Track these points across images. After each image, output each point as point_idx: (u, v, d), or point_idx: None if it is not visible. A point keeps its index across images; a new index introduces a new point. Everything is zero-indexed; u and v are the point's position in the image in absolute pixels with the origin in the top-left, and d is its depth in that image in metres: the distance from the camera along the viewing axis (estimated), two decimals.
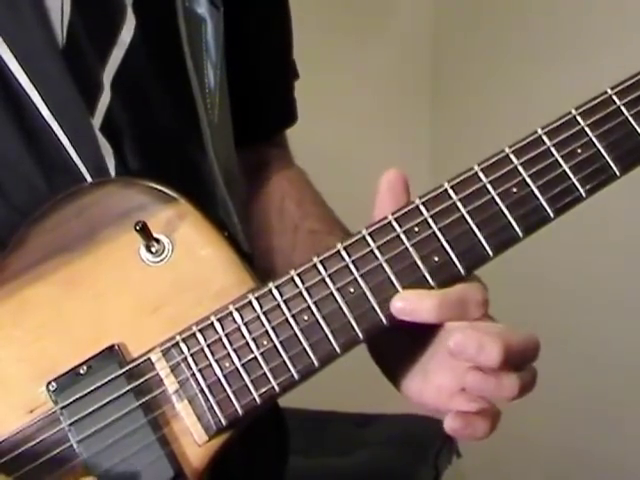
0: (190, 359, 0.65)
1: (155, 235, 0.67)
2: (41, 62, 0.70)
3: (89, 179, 0.70)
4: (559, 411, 2.22)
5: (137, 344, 0.66)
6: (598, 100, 0.68)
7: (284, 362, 0.65)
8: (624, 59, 0.69)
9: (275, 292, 0.66)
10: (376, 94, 2.52)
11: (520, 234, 0.66)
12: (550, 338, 2.26)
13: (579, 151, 0.67)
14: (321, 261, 0.66)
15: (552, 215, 0.66)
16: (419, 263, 0.66)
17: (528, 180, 0.66)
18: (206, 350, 0.65)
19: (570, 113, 0.67)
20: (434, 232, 0.66)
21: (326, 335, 0.65)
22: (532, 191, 0.66)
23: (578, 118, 0.67)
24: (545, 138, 0.67)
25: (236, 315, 0.65)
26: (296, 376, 0.65)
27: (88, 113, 0.71)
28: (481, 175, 0.66)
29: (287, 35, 0.93)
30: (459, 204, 0.66)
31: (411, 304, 0.64)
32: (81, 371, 0.65)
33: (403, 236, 0.66)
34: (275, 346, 0.65)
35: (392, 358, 0.70)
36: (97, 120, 0.72)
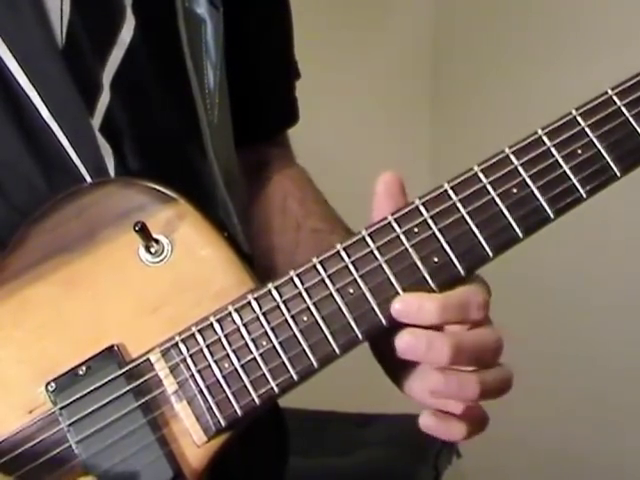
0: (189, 360, 0.65)
1: (154, 235, 0.67)
2: (40, 62, 0.70)
3: (88, 179, 0.70)
4: (559, 412, 2.22)
5: (136, 344, 0.66)
6: (599, 100, 0.67)
7: (283, 363, 0.65)
8: (625, 59, 0.69)
9: (274, 293, 0.65)
10: (376, 94, 2.52)
11: (520, 235, 0.66)
12: (550, 340, 2.26)
13: (579, 152, 0.67)
14: (320, 262, 0.66)
15: (552, 216, 0.66)
16: (419, 264, 0.65)
17: (528, 181, 0.66)
18: (205, 351, 0.65)
19: (570, 113, 0.67)
20: (434, 233, 0.66)
21: (325, 336, 0.65)
22: (532, 192, 0.66)
23: (578, 119, 0.67)
24: (545, 138, 0.67)
25: (235, 316, 0.65)
26: (295, 377, 0.65)
27: (87, 113, 0.71)
28: (481, 176, 0.66)
29: (288, 35, 0.93)
30: (459, 205, 0.66)
31: (411, 307, 0.64)
32: (80, 371, 0.65)
33: (403, 237, 0.66)
34: (274, 347, 0.65)
35: (394, 358, 0.70)
36: (96, 120, 0.72)
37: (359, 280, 0.65)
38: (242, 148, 0.88)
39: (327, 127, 2.17)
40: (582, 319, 2.18)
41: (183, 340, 0.65)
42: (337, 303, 0.65)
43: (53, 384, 0.64)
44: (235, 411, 0.64)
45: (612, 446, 2.16)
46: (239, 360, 0.65)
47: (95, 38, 0.73)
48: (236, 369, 0.65)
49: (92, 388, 0.64)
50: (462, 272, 0.66)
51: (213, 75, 0.78)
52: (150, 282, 0.67)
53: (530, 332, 2.14)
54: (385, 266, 0.65)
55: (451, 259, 0.66)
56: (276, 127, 0.95)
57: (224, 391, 0.64)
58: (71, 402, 0.64)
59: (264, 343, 0.65)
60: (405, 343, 0.64)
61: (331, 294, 0.65)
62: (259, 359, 0.65)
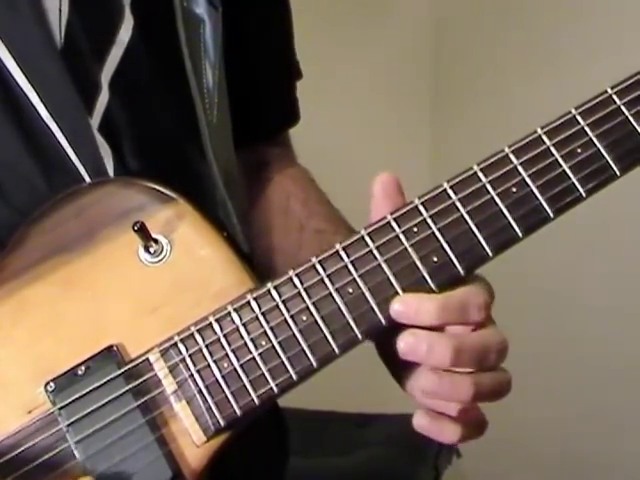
0: (188, 360, 0.65)
1: (154, 235, 0.67)
2: (39, 62, 0.70)
3: (88, 179, 0.70)
4: (559, 413, 2.22)
5: (136, 344, 0.65)
6: (598, 99, 0.67)
7: (283, 363, 0.65)
8: (625, 59, 0.69)
9: (274, 292, 0.65)
10: (376, 94, 2.52)
11: (520, 234, 0.66)
12: (551, 340, 2.26)
13: (579, 151, 0.66)
14: (320, 261, 0.65)
15: (552, 215, 0.66)
16: (418, 263, 0.65)
17: (528, 180, 0.66)
18: (204, 351, 0.65)
19: (570, 112, 0.67)
20: (433, 232, 0.66)
21: (325, 336, 0.65)
22: (532, 191, 0.66)
23: (578, 117, 0.67)
24: (545, 138, 0.67)
25: (234, 315, 0.65)
26: (295, 377, 0.65)
27: (86, 113, 0.71)
28: (480, 175, 0.66)
29: (288, 35, 0.93)
30: (458, 204, 0.66)
31: (410, 308, 0.64)
32: (79, 371, 0.65)
33: (402, 236, 0.66)
34: (274, 347, 0.65)
35: (397, 358, 0.70)
36: (95, 120, 0.72)
37: (358, 280, 0.65)
38: (243, 148, 0.87)
39: (327, 127, 2.17)
40: (583, 320, 2.18)
41: (182, 340, 0.65)
42: (336, 303, 0.65)
43: (52, 384, 0.64)
44: (234, 411, 0.64)
45: (612, 446, 2.16)
46: (238, 360, 0.65)
47: (94, 38, 0.73)
48: (235, 369, 0.65)
49: (91, 388, 0.64)
50: (462, 272, 0.65)
51: (212, 75, 0.78)
52: (149, 282, 0.67)
53: (531, 333, 2.14)
54: (384, 266, 0.65)
55: (450, 259, 0.65)
56: (277, 127, 0.95)
57: (223, 391, 0.64)
58: (70, 402, 0.64)
59: (263, 343, 0.65)
60: (406, 344, 0.63)
61: (330, 294, 0.65)
62: (258, 359, 0.65)
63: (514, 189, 0.66)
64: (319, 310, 0.65)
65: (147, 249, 0.67)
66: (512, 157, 0.66)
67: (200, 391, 0.65)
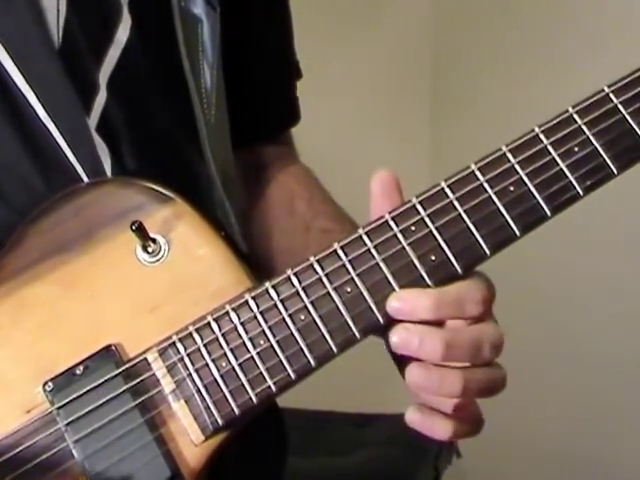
0: (187, 359, 0.65)
1: (152, 235, 0.67)
2: (37, 62, 0.70)
3: (86, 179, 0.70)
4: (559, 412, 2.22)
5: (134, 344, 0.66)
6: (595, 98, 0.67)
7: (281, 362, 0.65)
8: (625, 58, 0.68)
9: (272, 292, 0.65)
10: (376, 94, 2.52)
11: (517, 233, 0.66)
12: (551, 340, 2.25)
13: (576, 149, 0.66)
14: (317, 260, 0.66)
15: (549, 214, 0.66)
16: (416, 262, 0.65)
17: (525, 179, 0.66)
18: (202, 350, 0.65)
19: (567, 111, 0.67)
20: (431, 231, 0.66)
21: (323, 335, 0.65)
22: (529, 189, 0.66)
23: (575, 116, 0.67)
24: (542, 136, 0.67)
25: (232, 315, 0.65)
26: (293, 376, 0.65)
27: (84, 113, 0.71)
28: (478, 174, 0.66)
29: (287, 34, 0.93)
30: (456, 203, 0.66)
31: (407, 303, 0.64)
32: (77, 371, 0.65)
33: (400, 235, 0.66)
34: (272, 346, 0.65)
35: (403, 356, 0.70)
36: (93, 120, 0.72)
37: (356, 279, 0.65)
38: (245, 149, 0.88)
39: (327, 127, 2.17)
40: (583, 319, 2.18)
41: (180, 339, 0.65)
42: (334, 302, 0.65)
43: (50, 384, 0.64)
44: (232, 410, 0.64)
45: (612, 446, 2.16)
46: (236, 359, 0.65)
47: (91, 37, 0.73)
48: (233, 368, 0.65)
49: (89, 388, 0.64)
50: (459, 270, 0.66)
51: (210, 75, 0.78)
52: (148, 282, 0.67)
53: (531, 332, 2.14)
54: (382, 265, 0.65)
55: (448, 257, 0.65)
56: (278, 127, 0.95)
57: (221, 390, 0.64)
58: (68, 402, 0.64)
59: (261, 342, 0.65)
60: (398, 338, 0.64)
61: (328, 293, 0.65)
62: (256, 358, 0.65)
63: (511, 188, 0.66)
64: (317, 309, 0.65)
65: (145, 249, 0.67)
66: (509, 156, 0.66)
67: (198, 390, 0.65)
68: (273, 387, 0.65)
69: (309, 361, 0.65)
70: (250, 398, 0.64)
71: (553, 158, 0.66)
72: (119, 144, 0.73)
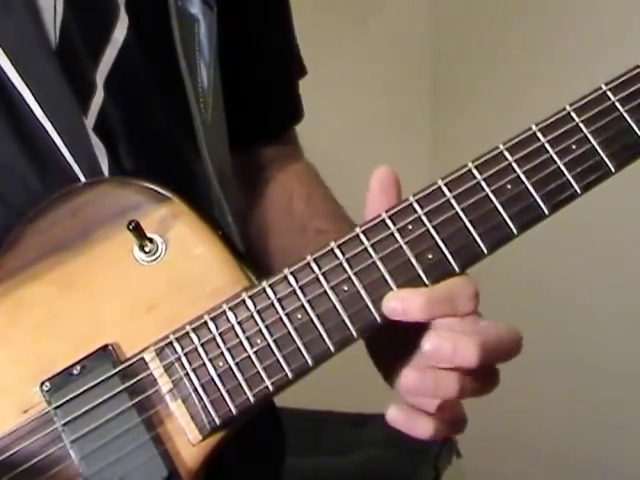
0: (184, 358, 0.65)
1: (149, 234, 0.67)
2: (34, 62, 0.70)
3: (83, 179, 0.70)
4: (559, 413, 2.22)
5: (131, 344, 0.65)
6: (593, 96, 0.67)
7: (278, 361, 0.64)
8: (626, 59, 0.68)
9: (269, 291, 0.65)
10: (376, 93, 2.52)
11: (515, 231, 0.66)
12: (551, 341, 2.25)
13: (574, 147, 0.66)
14: (315, 259, 0.65)
15: (547, 212, 0.66)
16: (413, 261, 0.65)
17: (522, 177, 0.66)
18: (200, 349, 0.65)
19: (564, 109, 0.67)
20: (428, 230, 0.66)
21: (320, 334, 0.65)
22: (527, 188, 0.66)
23: (572, 114, 0.67)
24: (539, 134, 0.67)
25: (230, 314, 0.65)
26: (290, 375, 0.65)
27: (81, 113, 0.71)
28: (475, 172, 0.66)
29: (288, 33, 0.93)
30: (453, 201, 0.66)
31: (402, 304, 0.64)
32: (75, 371, 0.65)
33: (397, 234, 0.66)
34: (269, 345, 0.65)
35: (388, 357, 0.70)
36: (90, 120, 0.72)
37: (353, 278, 0.65)
38: (246, 149, 0.88)
39: (327, 126, 2.16)
40: (583, 320, 2.18)
41: (177, 339, 0.65)
42: (331, 301, 0.65)
43: (48, 384, 0.64)
44: (230, 410, 0.64)
45: (612, 446, 2.16)
46: (234, 358, 0.65)
47: (88, 37, 0.72)
48: (231, 367, 0.64)
49: (86, 387, 0.64)
50: (457, 269, 0.65)
51: (207, 74, 0.78)
52: (145, 281, 0.67)
53: (530, 332, 2.13)
54: (379, 263, 0.65)
55: (446, 256, 0.65)
56: (279, 126, 0.95)
57: (219, 389, 0.64)
58: (65, 402, 0.64)
59: (259, 341, 0.65)
60: (432, 345, 0.63)
61: (325, 292, 0.65)
62: (254, 357, 0.65)
63: (509, 186, 0.66)
64: (314, 308, 0.65)
65: (142, 248, 0.67)
66: (507, 154, 0.66)
67: (195, 390, 0.64)
68: (270, 387, 0.64)
69: (306, 360, 0.65)
70: (247, 398, 0.64)
71: (550, 156, 0.66)
72: (116, 144, 0.73)
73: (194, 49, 0.78)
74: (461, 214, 0.66)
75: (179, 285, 0.67)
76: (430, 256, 0.65)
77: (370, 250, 0.65)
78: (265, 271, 0.72)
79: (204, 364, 0.65)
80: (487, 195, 0.66)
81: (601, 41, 2.07)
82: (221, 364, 0.65)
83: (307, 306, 0.65)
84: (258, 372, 0.64)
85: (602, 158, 0.66)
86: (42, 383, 0.64)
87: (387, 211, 0.66)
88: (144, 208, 0.68)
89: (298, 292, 0.65)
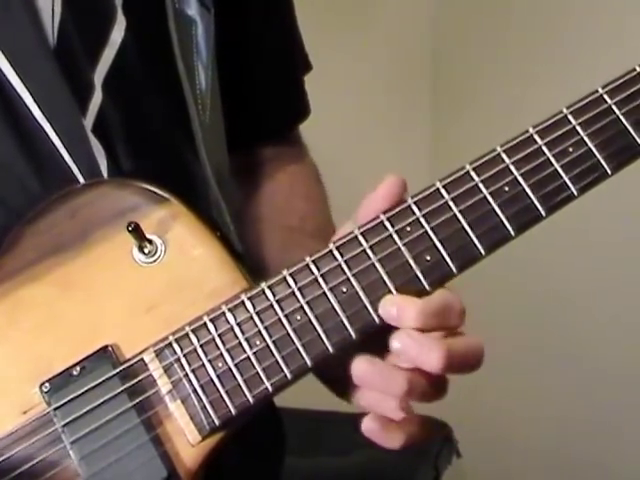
0: (183, 359, 0.65)
1: (148, 236, 0.67)
2: (33, 63, 0.70)
3: (82, 180, 0.70)
4: (558, 413, 2.22)
5: (131, 345, 0.66)
6: (589, 99, 0.67)
7: (277, 362, 0.65)
8: (623, 58, 0.68)
9: (268, 292, 0.66)
10: (376, 93, 2.52)
11: (512, 233, 0.66)
12: (551, 341, 2.25)
13: (570, 150, 0.67)
14: (313, 261, 0.66)
15: (544, 214, 0.66)
16: (411, 262, 0.66)
17: (520, 179, 0.66)
18: (199, 350, 0.65)
19: (561, 112, 0.67)
20: (426, 231, 0.66)
21: (319, 335, 0.65)
22: (524, 190, 0.66)
23: (569, 117, 0.67)
24: (536, 137, 0.67)
25: (229, 315, 0.65)
26: (289, 376, 0.65)
27: (80, 114, 0.71)
28: (473, 174, 0.66)
29: (289, 32, 0.93)
30: (451, 203, 0.66)
31: (396, 311, 0.64)
32: (74, 372, 0.65)
33: (395, 236, 0.66)
34: (268, 346, 0.65)
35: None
36: (89, 121, 0.72)
37: (352, 279, 0.65)
38: (246, 150, 0.88)
39: (327, 126, 2.16)
40: (582, 320, 2.18)
41: (177, 340, 0.65)
42: (330, 302, 0.65)
43: (47, 384, 0.64)
44: (229, 410, 0.65)
45: (611, 447, 2.16)
46: (233, 359, 0.65)
47: (86, 38, 0.73)
48: (230, 368, 0.65)
49: (86, 388, 0.64)
50: (455, 270, 0.66)
51: (205, 76, 0.78)
52: (144, 282, 0.67)
53: (529, 333, 2.14)
54: (378, 265, 0.65)
55: (443, 257, 0.66)
56: (281, 126, 0.95)
57: (218, 390, 0.65)
58: (65, 403, 0.64)
59: (258, 342, 0.65)
60: (401, 344, 0.63)
61: (324, 293, 0.65)
62: (253, 358, 0.65)
63: (506, 188, 0.66)
64: (313, 309, 0.65)
65: (141, 249, 0.67)
66: (504, 156, 0.67)
67: (195, 390, 0.65)
68: (270, 387, 0.65)
69: (305, 361, 0.65)
70: (247, 399, 0.65)
71: (548, 158, 0.66)
72: (115, 145, 0.73)
73: (192, 51, 0.78)
74: (459, 216, 0.66)
75: (178, 286, 0.67)
76: (428, 257, 0.66)
77: (368, 251, 0.66)
78: (260, 271, 0.72)
79: (203, 365, 0.65)
80: (485, 197, 0.66)
81: (601, 42, 2.07)
82: (220, 365, 0.65)
83: (306, 307, 0.65)
84: (257, 373, 0.65)
85: (599, 160, 0.66)
86: (42, 384, 0.64)
87: (385, 212, 0.66)
88: (143, 209, 0.68)
89: (297, 293, 0.65)
